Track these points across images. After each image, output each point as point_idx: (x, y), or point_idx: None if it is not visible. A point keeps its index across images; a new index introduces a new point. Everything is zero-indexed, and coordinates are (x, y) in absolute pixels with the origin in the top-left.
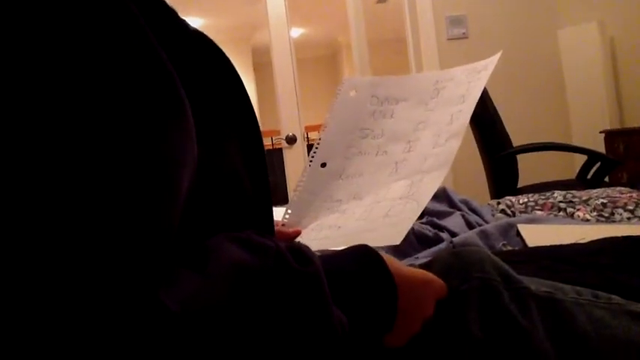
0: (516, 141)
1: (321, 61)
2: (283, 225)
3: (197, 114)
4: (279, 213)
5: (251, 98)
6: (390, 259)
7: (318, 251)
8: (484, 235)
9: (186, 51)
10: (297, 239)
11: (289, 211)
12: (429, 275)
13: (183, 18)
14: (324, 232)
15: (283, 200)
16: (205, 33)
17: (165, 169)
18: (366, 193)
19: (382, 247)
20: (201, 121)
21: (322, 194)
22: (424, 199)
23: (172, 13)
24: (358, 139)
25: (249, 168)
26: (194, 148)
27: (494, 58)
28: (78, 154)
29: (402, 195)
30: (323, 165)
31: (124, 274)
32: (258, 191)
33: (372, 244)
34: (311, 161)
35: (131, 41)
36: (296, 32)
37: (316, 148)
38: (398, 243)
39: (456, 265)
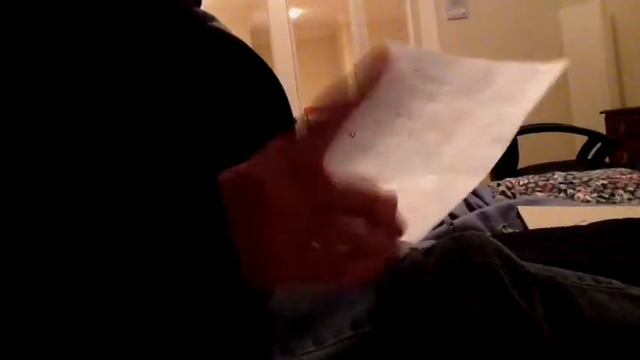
0: None
1: (321, 42)
2: None
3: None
4: None
5: None
6: None
7: None
8: (484, 217)
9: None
10: None
11: None
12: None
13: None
14: None
15: None
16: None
17: None
18: (391, 177)
19: None
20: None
21: (345, 164)
22: (451, 203)
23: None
24: (392, 116)
25: None
26: None
27: (559, 66)
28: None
29: (428, 191)
30: (352, 135)
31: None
32: None
33: None
34: None
35: None
36: (295, 12)
37: None
38: (416, 242)
39: (457, 250)
